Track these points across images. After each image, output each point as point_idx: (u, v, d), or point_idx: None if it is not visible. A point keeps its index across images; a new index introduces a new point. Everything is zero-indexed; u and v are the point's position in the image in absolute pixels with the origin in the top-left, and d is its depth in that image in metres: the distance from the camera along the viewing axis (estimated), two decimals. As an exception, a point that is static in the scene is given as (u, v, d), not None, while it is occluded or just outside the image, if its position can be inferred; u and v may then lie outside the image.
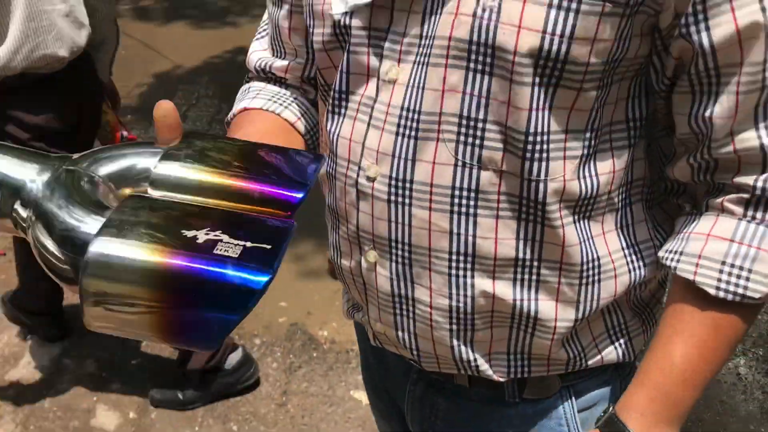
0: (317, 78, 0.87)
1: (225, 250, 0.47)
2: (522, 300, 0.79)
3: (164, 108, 0.63)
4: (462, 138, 0.73)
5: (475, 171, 0.74)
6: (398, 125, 0.76)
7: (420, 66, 0.74)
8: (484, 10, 0.69)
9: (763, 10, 0.66)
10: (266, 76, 0.97)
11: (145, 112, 4.11)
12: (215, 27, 5.32)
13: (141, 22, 5.48)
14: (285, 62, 0.94)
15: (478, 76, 0.71)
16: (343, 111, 0.81)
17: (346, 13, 0.77)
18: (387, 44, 0.76)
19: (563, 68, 0.69)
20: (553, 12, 0.67)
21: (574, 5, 0.67)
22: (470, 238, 0.76)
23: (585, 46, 0.68)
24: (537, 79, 0.69)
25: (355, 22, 0.77)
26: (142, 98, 4.29)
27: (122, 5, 5.78)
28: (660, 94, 0.76)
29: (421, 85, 0.74)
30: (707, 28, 0.67)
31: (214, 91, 4.33)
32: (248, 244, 0.48)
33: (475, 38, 0.70)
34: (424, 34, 0.73)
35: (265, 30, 0.99)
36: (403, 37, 0.75)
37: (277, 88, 0.95)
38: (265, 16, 0.98)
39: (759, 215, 0.72)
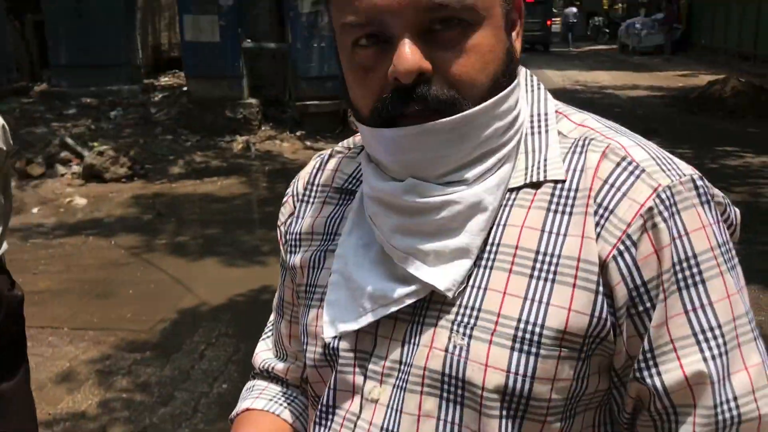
0: (308, 389, 0.94)
1: None
2: None
3: None
4: None
5: None
6: None
7: (399, 390, 0.81)
8: (455, 347, 0.77)
9: (705, 360, 0.73)
10: (269, 375, 1.07)
11: (165, 348, 4.15)
12: (244, 265, 5.52)
13: (175, 257, 5.73)
14: (286, 365, 1.04)
15: (451, 405, 0.78)
16: (328, 424, 0.86)
17: (335, 336, 0.84)
18: (371, 365, 0.83)
19: (527, 403, 0.75)
20: (515, 354, 0.75)
21: (534, 349, 0.74)
22: None
23: (546, 385, 0.75)
24: (504, 412, 0.75)
25: (343, 345, 0.84)
26: (163, 334, 4.35)
27: (158, 240, 6.10)
28: (624, 425, 0.81)
29: (400, 408, 0.80)
30: (658, 373, 0.74)
31: (234, 331, 4.39)
32: None
33: (447, 371, 0.77)
34: (403, 360, 0.81)
35: (270, 330, 1.10)
36: (384, 361, 0.82)
37: (279, 388, 1.05)
38: (272, 318, 1.09)
39: None
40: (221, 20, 9.57)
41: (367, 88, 0.77)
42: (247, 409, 1.01)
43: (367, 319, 0.81)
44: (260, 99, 10.11)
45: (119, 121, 10.18)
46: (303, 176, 1.00)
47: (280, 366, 1.05)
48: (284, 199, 1.01)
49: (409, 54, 0.72)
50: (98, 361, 4.00)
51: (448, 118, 0.74)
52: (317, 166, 0.99)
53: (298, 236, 0.95)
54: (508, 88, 0.78)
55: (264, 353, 1.09)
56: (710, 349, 0.73)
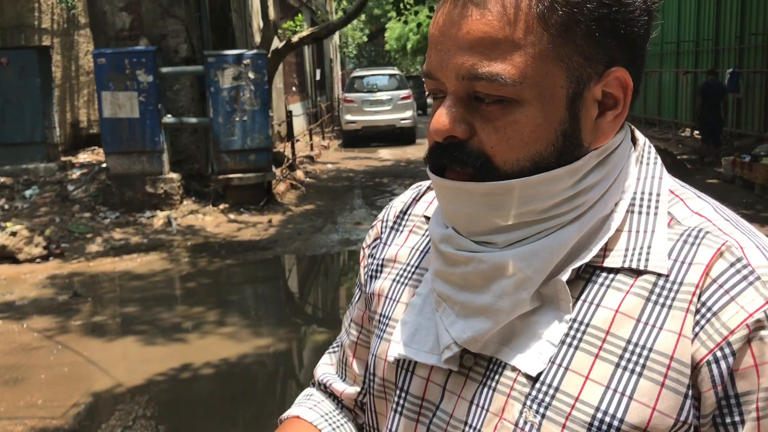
0: (366, 416, 0.94)
1: None
2: None
3: None
4: None
5: None
6: None
7: None
8: (525, 423, 0.74)
9: None
10: (326, 390, 1.06)
11: (78, 435, 3.95)
12: (164, 343, 5.36)
13: (91, 338, 5.52)
14: (344, 386, 1.03)
15: None
16: None
17: (406, 370, 0.84)
18: (435, 419, 0.81)
19: None
20: None
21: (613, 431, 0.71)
22: None
23: None
24: None
25: (413, 389, 0.83)
26: (76, 420, 4.15)
27: (74, 321, 5.88)
28: None
29: None
30: None
31: (153, 412, 4.23)
32: None
33: None
34: (470, 422, 0.78)
35: (337, 346, 1.08)
36: (450, 418, 0.80)
37: (333, 406, 1.03)
38: (340, 334, 1.07)
39: None
40: (140, 96, 9.54)
41: (430, 140, 0.79)
42: (298, 417, 1.00)
43: (428, 359, 0.81)
44: (182, 173, 10.03)
45: (34, 199, 9.89)
46: (397, 204, 0.99)
47: (337, 385, 1.03)
48: (373, 223, 1.02)
49: (440, 116, 0.74)
50: (5, 452, 3.78)
51: (480, 183, 0.74)
52: (414, 196, 0.98)
53: (381, 262, 0.95)
54: (561, 170, 0.73)
55: (326, 366, 1.08)
56: None
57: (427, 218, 0.93)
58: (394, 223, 0.98)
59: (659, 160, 0.81)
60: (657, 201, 0.77)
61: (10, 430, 4.02)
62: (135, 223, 9.19)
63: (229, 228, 9.13)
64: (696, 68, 16.07)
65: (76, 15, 14.14)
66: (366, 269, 0.99)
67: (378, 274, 0.95)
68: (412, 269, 0.91)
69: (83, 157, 13.07)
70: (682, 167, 11.58)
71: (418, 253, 0.92)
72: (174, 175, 9.83)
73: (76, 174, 11.05)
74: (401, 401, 0.84)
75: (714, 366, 0.70)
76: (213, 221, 9.40)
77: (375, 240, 0.99)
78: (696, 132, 15.23)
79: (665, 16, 17.75)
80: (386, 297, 0.92)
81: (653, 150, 0.82)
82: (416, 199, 0.98)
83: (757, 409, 0.70)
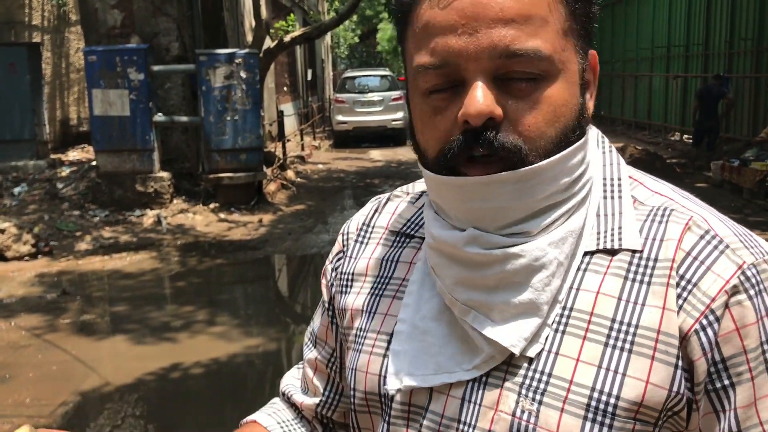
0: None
1: None
2: None
3: None
4: None
5: None
6: None
7: None
8: (523, 412, 0.74)
9: None
10: (288, 401, 1.07)
11: (66, 434, 3.93)
12: (154, 342, 5.35)
13: (80, 336, 5.50)
14: (303, 398, 1.04)
15: None
16: None
17: (398, 390, 0.81)
18: (425, 422, 0.79)
19: None
20: (588, 424, 0.72)
21: (608, 420, 0.72)
22: None
23: None
24: None
25: (397, 396, 0.82)
26: (65, 419, 4.13)
27: (62, 319, 5.85)
28: None
29: None
30: None
31: (142, 411, 4.22)
32: None
33: None
34: (463, 419, 0.77)
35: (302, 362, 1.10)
36: (441, 418, 0.78)
37: (293, 415, 1.05)
38: (304, 348, 1.08)
39: None
40: (131, 94, 9.51)
41: (437, 130, 0.75)
42: (255, 421, 1.02)
43: (441, 380, 0.78)
44: (172, 172, 10.00)
45: (23, 197, 9.83)
46: (358, 217, 0.98)
47: (297, 397, 1.05)
48: (337, 239, 1.00)
49: (480, 97, 0.71)
50: (-8, 451, 3.76)
51: (515, 171, 0.73)
52: (375, 208, 0.97)
53: (350, 276, 0.93)
54: (577, 144, 0.76)
55: (290, 378, 1.10)
56: None
57: (393, 232, 0.92)
58: (357, 236, 0.96)
59: (614, 148, 0.85)
60: (620, 185, 0.81)
61: (-3, 429, 4.00)
62: (125, 222, 9.16)
63: (220, 227, 9.11)
64: (686, 72, 16.16)
65: (66, 12, 14.07)
66: (332, 285, 0.97)
67: (348, 289, 0.93)
68: (386, 280, 0.89)
69: (73, 154, 13.01)
70: (672, 171, 11.64)
71: (389, 263, 0.90)
72: (164, 174, 9.80)
73: (65, 172, 11.00)
74: (387, 409, 0.83)
75: (702, 334, 0.72)
76: (203, 220, 9.37)
77: (338, 254, 0.97)
78: (686, 136, 15.32)
79: (655, 20, 17.85)
80: (362, 311, 0.90)
81: (606, 138, 0.86)
82: (378, 211, 0.96)
83: (750, 370, 0.71)
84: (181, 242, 8.47)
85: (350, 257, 0.95)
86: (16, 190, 10.09)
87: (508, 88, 0.73)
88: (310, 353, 1.03)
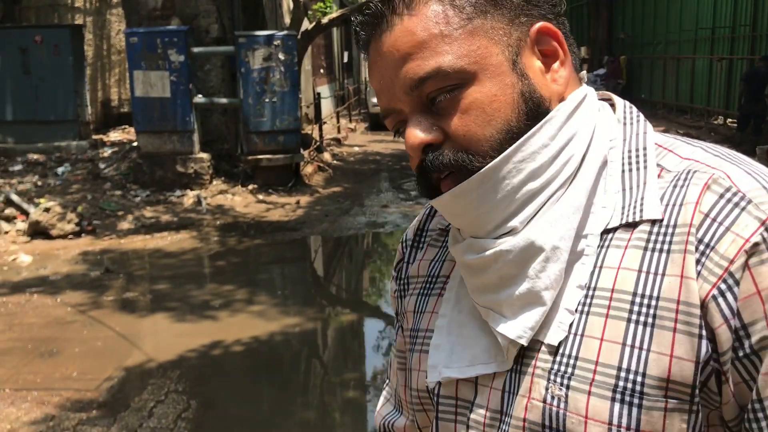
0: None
1: None
2: None
3: None
4: None
5: None
6: None
7: None
8: (552, 398, 0.74)
9: None
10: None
11: (112, 407, 4.04)
12: (194, 320, 5.45)
13: (123, 313, 5.63)
14: (402, 420, 1.02)
15: None
16: None
17: (438, 382, 0.84)
18: (472, 415, 0.81)
19: None
20: (617, 406, 0.70)
21: (636, 400, 0.70)
22: None
23: None
24: None
25: (444, 392, 0.83)
26: (110, 393, 4.24)
27: (106, 296, 5.98)
28: None
29: None
30: None
31: (184, 387, 4.30)
32: None
33: (547, 423, 0.74)
34: (504, 410, 0.78)
35: (387, 381, 1.09)
36: (486, 410, 0.80)
37: None
38: (389, 367, 1.08)
39: None
40: (172, 76, 9.62)
41: (413, 164, 0.81)
42: None
43: (476, 371, 0.80)
44: (211, 153, 10.12)
45: (67, 177, 10.04)
46: (414, 224, 1.01)
47: (399, 423, 1.03)
48: (398, 248, 1.02)
49: (410, 132, 0.77)
50: (41, 422, 3.88)
51: (468, 180, 0.75)
52: (428, 212, 0.99)
53: (407, 279, 0.96)
54: (533, 129, 0.75)
55: (383, 408, 1.07)
56: None
57: (442, 230, 0.94)
58: (413, 241, 0.99)
59: (642, 117, 0.82)
60: (645, 155, 0.78)
61: (46, 401, 4.12)
62: (165, 202, 9.30)
63: (258, 208, 9.20)
64: (731, 54, 15.78)
65: (108, -6, 14.24)
66: (396, 293, 0.99)
67: (405, 293, 0.96)
68: (434, 279, 0.91)
69: (114, 135, 13.23)
70: (714, 155, 11.41)
71: (437, 263, 0.92)
72: (204, 155, 9.92)
73: (107, 152, 11.20)
74: (437, 406, 0.85)
75: (721, 300, 0.68)
76: (242, 201, 9.48)
77: (398, 263, 1.00)
78: (729, 120, 14.98)
79: (700, 1, 17.43)
80: (413, 311, 0.92)
81: (635, 109, 0.83)
82: (430, 215, 0.98)
83: None
84: (220, 222, 8.58)
85: (408, 263, 0.97)
86: (60, 170, 10.31)
87: (438, 110, 0.76)
88: (397, 366, 1.02)
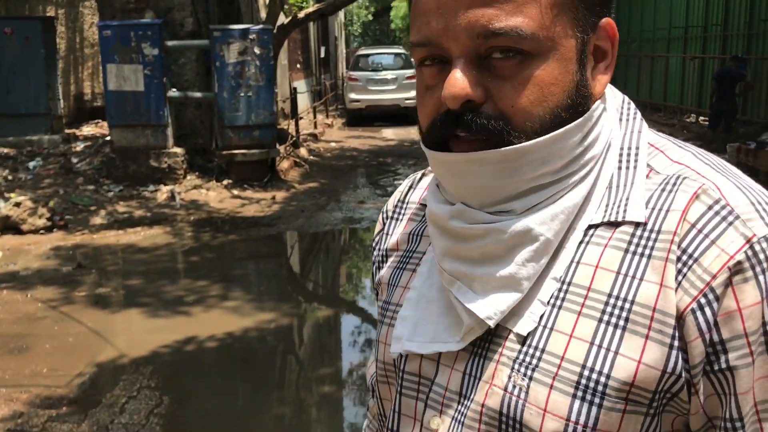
0: (377, 405, 0.94)
1: None
2: None
3: None
4: None
5: None
6: None
7: (457, 423, 0.78)
8: (514, 387, 0.74)
9: None
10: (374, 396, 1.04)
11: (83, 403, 3.99)
12: (168, 316, 5.39)
13: (95, 309, 5.56)
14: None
15: None
16: None
17: (400, 355, 0.84)
18: (431, 394, 0.81)
19: None
20: (576, 402, 0.70)
21: (597, 399, 0.70)
22: None
23: None
24: None
25: (408, 367, 0.83)
26: (81, 389, 4.19)
27: (78, 292, 5.90)
28: None
29: None
30: None
31: (157, 383, 4.26)
32: None
33: (504, 411, 0.74)
34: (463, 393, 0.78)
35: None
36: (444, 390, 0.80)
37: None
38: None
39: None
40: (146, 69, 9.51)
41: (426, 106, 0.76)
42: None
43: (435, 348, 0.79)
44: (186, 148, 10.02)
45: (38, 171, 9.89)
46: (395, 195, 1.00)
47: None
48: (378, 219, 1.02)
49: (456, 80, 0.70)
50: (9, 419, 3.82)
51: (494, 150, 0.71)
52: (409, 184, 0.98)
53: (385, 252, 0.96)
54: (574, 123, 0.73)
55: (372, 367, 1.07)
56: None
57: (423, 205, 0.91)
58: (393, 212, 0.98)
59: (638, 115, 0.81)
60: (636, 155, 0.77)
61: (15, 398, 4.06)
62: (138, 197, 9.20)
63: (233, 204, 9.14)
64: (704, 53, 15.97)
65: (81, -14, 14.04)
66: (374, 264, 0.99)
67: (382, 265, 0.95)
68: (410, 254, 0.91)
69: (87, 129, 13.06)
70: (687, 153, 11.56)
71: (415, 237, 0.91)
72: (178, 150, 9.82)
73: (79, 146, 11.05)
74: (400, 381, 0.85)
75: (699, 314, 0.68)
76: (216, 196, 9.40)
77: (378, 233, 0.99)
78: (701, 118, 15.17)
79: (674, 0, 17.62)
80: (387, 284, 0.92)
81: (632, 105, 0.82)
82: (412, 187, 0.98)
83: (751, 353, 0.67)
84: (194, 218, 8.51)
85: (387, 234, 0.97)
86: (31, 164, 10.15)
87: (492, 68, 0.71)
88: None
